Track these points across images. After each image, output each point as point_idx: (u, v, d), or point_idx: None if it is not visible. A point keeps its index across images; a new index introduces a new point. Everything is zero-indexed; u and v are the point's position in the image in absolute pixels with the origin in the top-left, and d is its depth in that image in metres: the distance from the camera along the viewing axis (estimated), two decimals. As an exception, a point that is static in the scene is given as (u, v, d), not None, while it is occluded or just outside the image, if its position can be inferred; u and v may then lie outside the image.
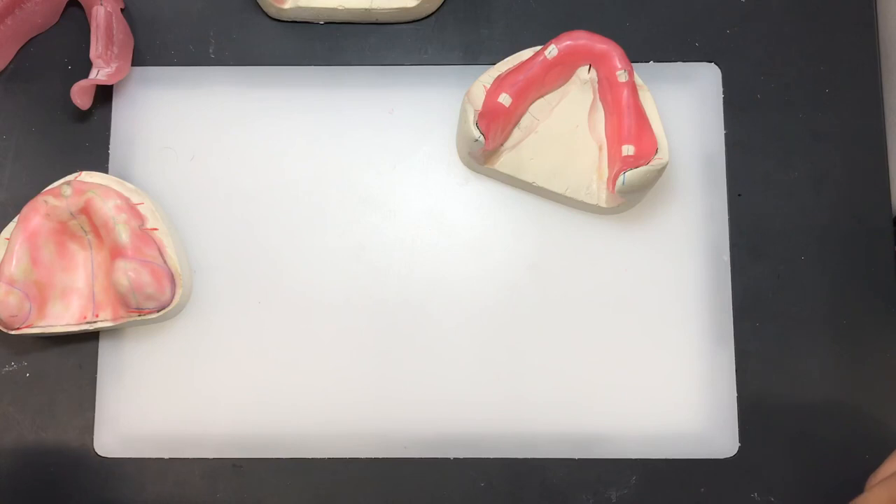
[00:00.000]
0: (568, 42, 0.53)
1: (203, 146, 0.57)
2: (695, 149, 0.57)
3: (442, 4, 0.58)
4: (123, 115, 0.57)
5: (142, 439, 0.54)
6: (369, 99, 0.57)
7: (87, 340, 0.55)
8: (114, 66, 0.56)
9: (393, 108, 0.57)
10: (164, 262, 0.53)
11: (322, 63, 0.58)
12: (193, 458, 0.54)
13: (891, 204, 0.56)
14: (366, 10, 0.57)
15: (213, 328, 0.55)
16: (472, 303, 0.55)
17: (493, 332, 0.55)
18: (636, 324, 0.55)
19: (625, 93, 0.52)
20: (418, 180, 0.57)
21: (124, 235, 0.52)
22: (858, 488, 0.53)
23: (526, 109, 0.55)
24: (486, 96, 0.53)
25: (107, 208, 0.52)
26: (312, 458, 0.54)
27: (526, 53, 0.55)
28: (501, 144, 0.55)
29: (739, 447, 0.54)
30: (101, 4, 0.55)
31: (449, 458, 0.54)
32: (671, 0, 0.58)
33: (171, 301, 0.53)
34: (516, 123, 0.55)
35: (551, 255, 0.56)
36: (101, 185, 0.53)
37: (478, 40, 0.58)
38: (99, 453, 0.54)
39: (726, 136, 0.57)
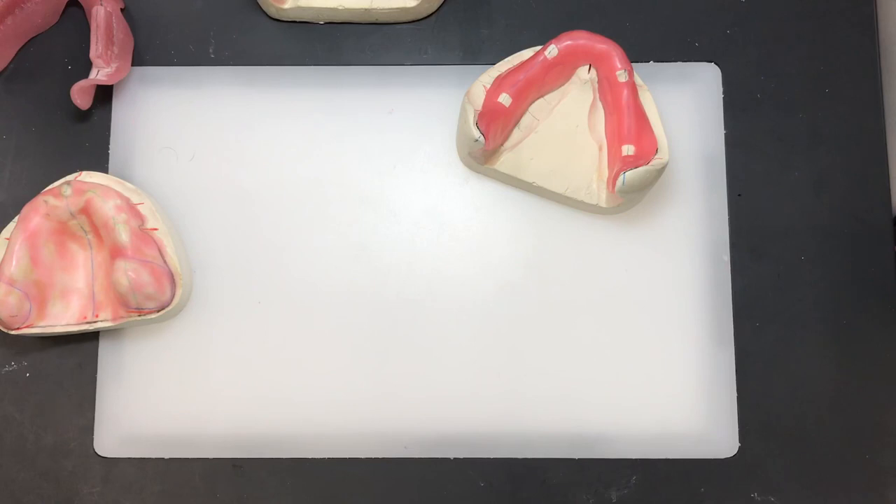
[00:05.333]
0: (568, 42, 0.53)
1: (203, 146, 0.57)
2: (695, 149, 0.57)
3: (442, 4, 0.58)
4: (123, 115, 0.57)
5: (142, 439, 0.54)
6: (369, 99, 0.57)
7: (87, 340, 0.55)
8: (114, 66, 0.56)
9: (393, 109, 0.57)
10: (164, 262, 0.53)
11: (322, 63, 0.58)
12: (193, 458, 0.54)
13: (891, 204, 0.56)
14: (366, 10, 0.57)
15: (213, 328, 0.55)
16: (472, 303, 0.55)
17: (493, 332, 0.55)
18: (636, 324, 0.55)
19: (625, 93, 0.53)
20: (418, 180, 0.57)
21: (124, 235, 0.52)
22: (858, 488, 0.54)
23: (526, 109, 0.55)
24: (486, 96, 0.53)
25: (107, 208, 0.52)
26: (312, 458, 0.54)
27: (526, 53, 0.55)
28: (501, 144, 0.55)
29: (739, 447, 0.54)
30: (101, 4, 0.55)
31: (449, 458, 0.54)
32: (671, 0, 0.58)
33: (171, 301, 0.53)
34: (516, 123, 0.55)
35: (551, 254, 0.56)
36: (101, 185, 0.53)
37: (478, 40, 0.58)
38: (99, 453, 0.54)
39: (726, 136, 0.57)
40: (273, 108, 0.57)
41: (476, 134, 0.52)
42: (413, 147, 0.57)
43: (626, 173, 0.51)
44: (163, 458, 0.54)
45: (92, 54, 0.55)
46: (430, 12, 0.58)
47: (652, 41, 0.58)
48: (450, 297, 0.55)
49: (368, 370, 0.54)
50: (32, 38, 0.58)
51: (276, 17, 0.58)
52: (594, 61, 0.54)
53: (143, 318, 0.53)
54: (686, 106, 0.57)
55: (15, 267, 0.52)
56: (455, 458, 0.54)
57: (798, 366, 0.55)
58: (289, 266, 0.56)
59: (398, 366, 0.54)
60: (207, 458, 0.54)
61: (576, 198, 0.54)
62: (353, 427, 0.54)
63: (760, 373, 0.54)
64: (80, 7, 0.58)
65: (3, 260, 0.52)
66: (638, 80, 0.54)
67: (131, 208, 0.53)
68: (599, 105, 0.55)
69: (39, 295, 0.53)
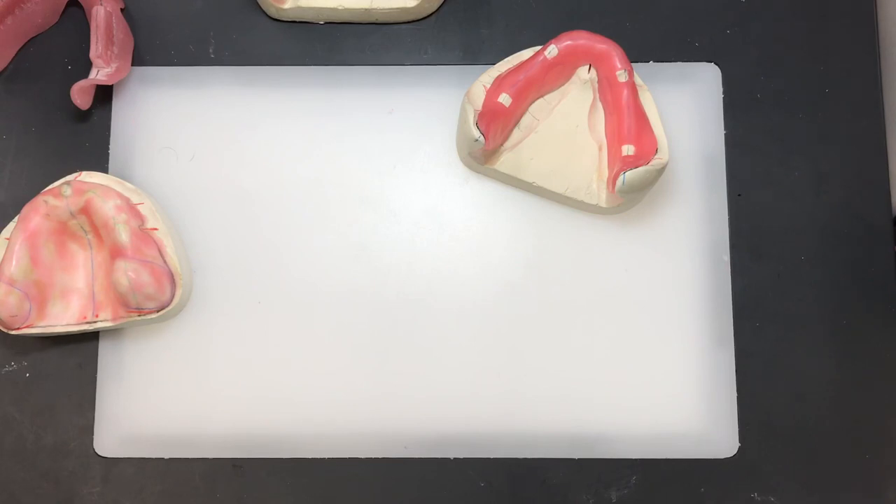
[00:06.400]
0: (568, 42, 0.53)
1: (203, 146, 0.57)
2: (695, 149, 0.57)
3: (442, 4, 0.58)
4: (123, 115, 0.57)
5: (142, 439, 0.54)
6: (369, 99, 0.57)
7: (87, 340, 0.55)
8: (114, 66, 0.56)
9: (393, 109, 0.57)
10: (164, 262, 0.53)
11: (322, 63, 0.58)
12: (193, 458, 0.54)
13: (891, 204, 0.56)
14: (366, 10, 0.57)
15: (213, 328, 0.55)
16: (472, 303, 0.55)
17: (493, 332, 0.55)
18: (636, 324, 0.55)
19: (625, 93, 0.53)
20: (418, 180, 0.57)
21: (124, 235, 0.52)
22: (858, 488, 0.53)
23: (526, 109, 0.55)
24: (486, 96, 0.53)
25: (107, 208, 0.52)
26: (312, 458, 0.54)
27: (526, 53, 0.55)
28: (501, 144, 0.55)
29: (739, 447, 0.54)
30: (101, 4, 0.55)
31: (449, 458, 0.54)
32: (671, 0, 0.58)
33: (171, 301, 0.53)
34: (516, 123, 0.55)
35: (551, 255, 0.56)
36: (101, 185, 0.53)
37: (478, 40, 0.58)
38: (99, 453, 0.54)
39: (726, 136, 0.57)
40: (273, 108, 0.57)
41: (476, 134, 0.52)
42: (413, 147, 0.57)
43: (626, 173, 0.51)
44: (163, 458, 0.54)
45: (92, 54, 0.55)
46: (430, 12, 0.58)
47: (652, 41, 0.58)
48: (450, 297, 0.55)
49: (368, 370, 0.54)
50: (32, 38, 0.58)
51: (276, 17, 0.58)
52: (594, 61, 0.54)
53: (143, 318, 0.53)
54: (686, 106, 0.57)
55: (15, 267, 0.52)
56: (455, 458, 0.54)
57: (798, 366, 0.55)
58: (289, 266, 0.56)
59: (398, 366, 0.54)
60: (207, 458, 0.54)
61: (576, 198, 0.54)
62: (353, 427, 0.54)
63: (760, 373, 0.54)
64: (80, 7, 0.58)
65: (3, 260, 0.52)
66: (638, 80, 0.54)
67: (131, 208, 0.53)
68: (599, 105, 0.55)
69: (39, 295, 0.53)
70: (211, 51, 0.58)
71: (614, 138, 0.53)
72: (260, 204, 0.56)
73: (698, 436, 0.54)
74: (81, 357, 0.55)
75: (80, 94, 0.55)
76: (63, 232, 0.54)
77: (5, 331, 0.53)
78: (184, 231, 0.56)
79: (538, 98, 0.55)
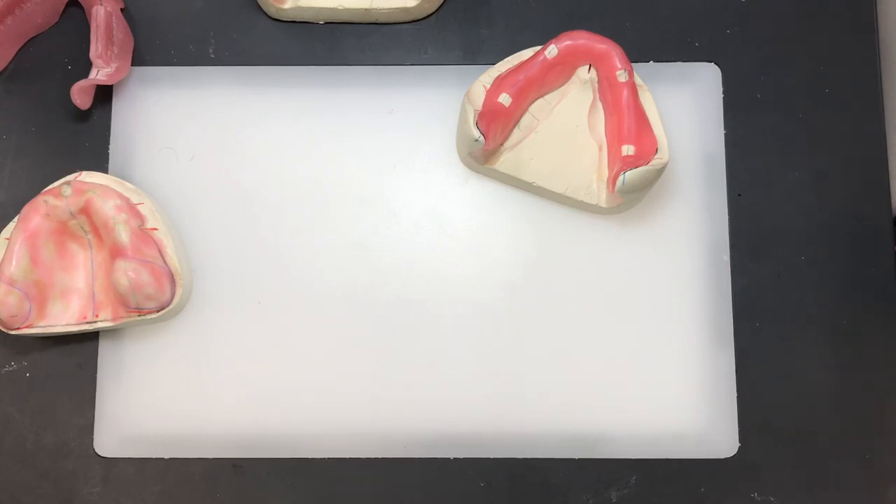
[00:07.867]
0: (568, 42, 0.53)
1: (203, 146, 0.57)
2: (695, 149, 0.57)
3: (442, 4, 0.58)
4: (123, 115, 0.57)
5: (142, 439, 0.54)
6: (369, 99, 0.57)
7: (87, 340, 0.55)
8: (114, 66, 0.56)
9: (393, 109, 0.57)
10: (164, 262, 0.53)
11: (322, 63, 0.58)
12: (193, 458, 0.54)
13: (891, 204, 0.56)
14: (366, 10, 0.57)
15: (213, 328, 0.55)
16: (472, 303, 0.55)
17: (492, 332, 0.55)
18: (636, 324, 0.55)
19: (625, 93, 0.53)
20: (418, 180, 0.57)
21: (124, 235, 0.52)
22: (858, 488, 0.53)
23: (526, 109, 0.55)
24: (486, 96, 0.53)
25: (107, 208, 0.52)
26: (312, 458, 0.54)
27: (526, 53, 0.55)
28: (501, 144, 0.55)
29: (739, 447, 0.54)
30: (101, 4, 0.55)
31: (449, 458, 0.54)
32: (671, 0, 0.58)
33: (171, 301, 0.53)
34: (516, 123, 0.55)
35: (551, 254, 0.56)
36: (101, 185, 0.53)
37: (478, 40, 0.58)
38: (99, 453, 0.54)
39: (726, 136, 0.57)
40: (273, 108, 0.57)
41: (476, 134, 0.52)
42: (413, 147, 0.57)
43: (626, 173, 0.51)
44: (163, 458, 0.54)
45: (92, 54, 0.55)
46: (430, 12, 0.58)
47: (652, 41, 0.58)
48: (450, 298, 0.55)
49: (368, 370, 0.54)
50: (32, 38, 0.58)
51: (276, 17, 0.58)
52: (594, 61, 0.54)
53: (143, 318, 0.53)
54: (686, 106, 0.57)
55: (15, 267, 0.52)
56: (455, 458, 0.54)
57: (798, 366, 0.55)
58: (289, 266, 0.56)
59: (398, 366, 0.54)
60: (207, 458, 0.54)
61: (576, 198, 0.54)
62: (353, 427, 0.54)
63: (760, 373, 0.54)
64: (80, 7, 0.58)
65: (3, 260, 0.52)
66: (638, 80, 0.54)
67: (131, 208, 0.53)
68: (599, 105, 0.55)
69: (39, 295, 0.53)
70: (211, 51, 0.58)
71: (614, 138, 0.53)
72: (260, 204, 0.56)
73: (698, 436, 0.54)
74: (81, 357, 0.55)
75: (80, 94, 0.55)
76: (63, 232, 0.54)
77: (5, 331, 0.53)
78: (184, 231, 0.56)
79: (538, 98, 0.55)
